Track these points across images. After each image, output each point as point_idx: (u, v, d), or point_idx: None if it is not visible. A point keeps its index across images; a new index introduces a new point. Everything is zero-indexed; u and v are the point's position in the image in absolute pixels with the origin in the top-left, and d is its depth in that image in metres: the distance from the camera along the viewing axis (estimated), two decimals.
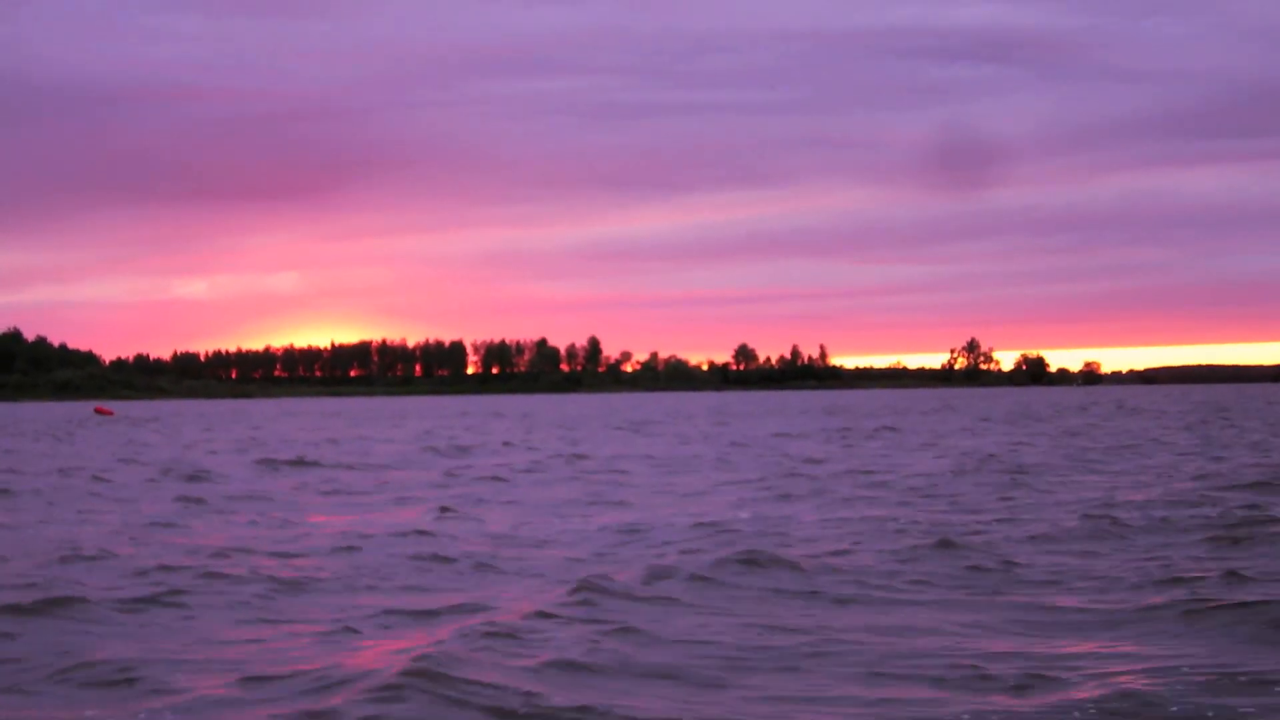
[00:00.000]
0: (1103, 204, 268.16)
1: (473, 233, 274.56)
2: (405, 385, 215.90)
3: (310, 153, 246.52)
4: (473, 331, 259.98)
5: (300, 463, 27.93)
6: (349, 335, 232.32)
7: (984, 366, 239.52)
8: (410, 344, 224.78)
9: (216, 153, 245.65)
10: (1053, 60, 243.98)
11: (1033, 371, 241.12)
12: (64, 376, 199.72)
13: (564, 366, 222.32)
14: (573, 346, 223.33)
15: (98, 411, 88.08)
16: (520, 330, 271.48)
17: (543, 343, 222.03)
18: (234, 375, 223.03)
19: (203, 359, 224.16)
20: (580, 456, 30.01)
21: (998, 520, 15.10)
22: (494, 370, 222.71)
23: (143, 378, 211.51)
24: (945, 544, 12.60)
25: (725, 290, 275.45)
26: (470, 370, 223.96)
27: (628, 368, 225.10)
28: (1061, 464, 24.72)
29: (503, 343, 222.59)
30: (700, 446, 34.09)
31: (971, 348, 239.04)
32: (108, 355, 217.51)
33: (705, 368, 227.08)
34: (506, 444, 37.19)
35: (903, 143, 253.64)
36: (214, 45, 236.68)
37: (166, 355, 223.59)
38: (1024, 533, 13.80)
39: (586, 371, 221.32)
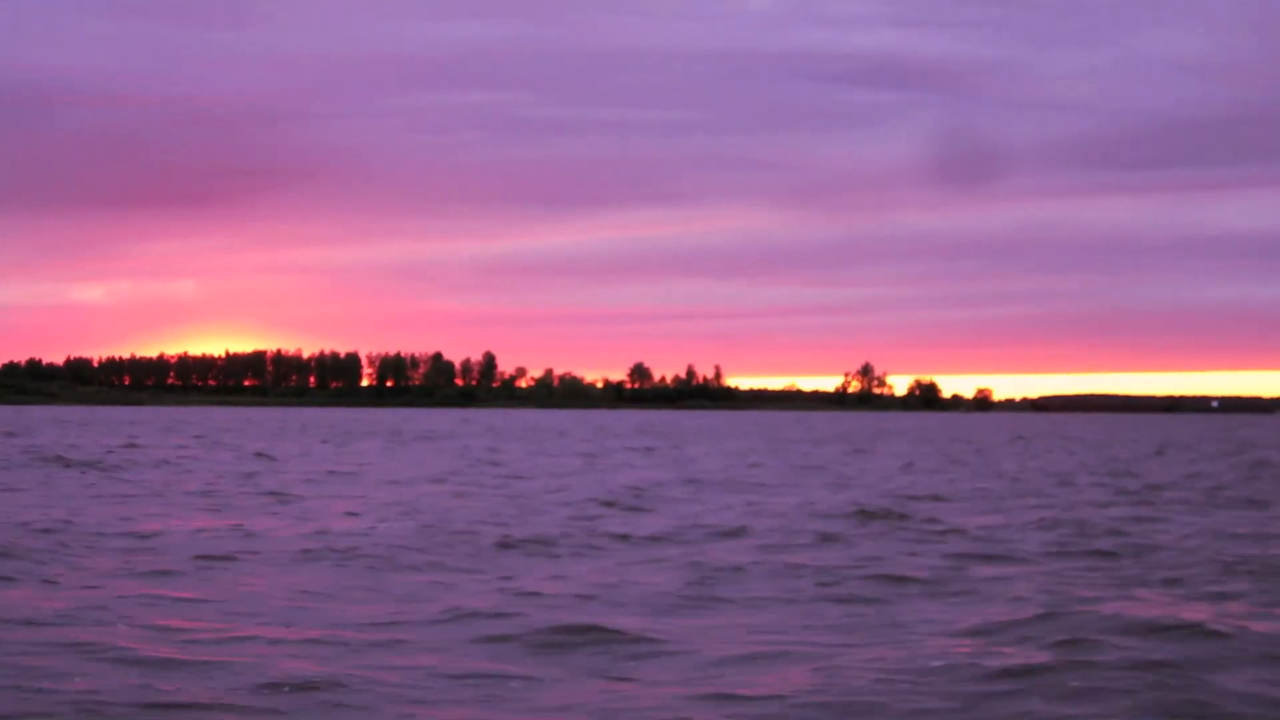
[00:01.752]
0: (1001, 232, 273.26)
1: (373, 245, 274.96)
2: (299, 396, 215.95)
3: (214, 161, 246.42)
4: (369, 344, 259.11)
5: None
6: (245, 345, 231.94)
7: (877, 390, 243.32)
8: (305, 355, 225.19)
9: (119, 159, 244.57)
10: (956, 88, 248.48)
11: (925, 396, 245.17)
12: None
13: (459, 381, 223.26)
14: (468, 361, 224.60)
15: None
16: (417, 344, 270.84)
17: (438, 357, 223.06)
18: (127, 382, 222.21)
19: (96, 365, 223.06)
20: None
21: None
22: (389, 383, 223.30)
23: (34, 383, 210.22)
24: None
25: (624, 308, 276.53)
26: (365, 383, 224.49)
27: (523, 383, 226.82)
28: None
29: (398, 356, 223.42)
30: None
31: (865, 371, 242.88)
32: (0, 359, 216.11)
33: (601, 385, 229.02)
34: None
35: (805, 166, 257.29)
36: (118, 51, 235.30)
37: (60, 360, 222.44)
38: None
39: (481, 387, 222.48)
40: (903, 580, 12.73)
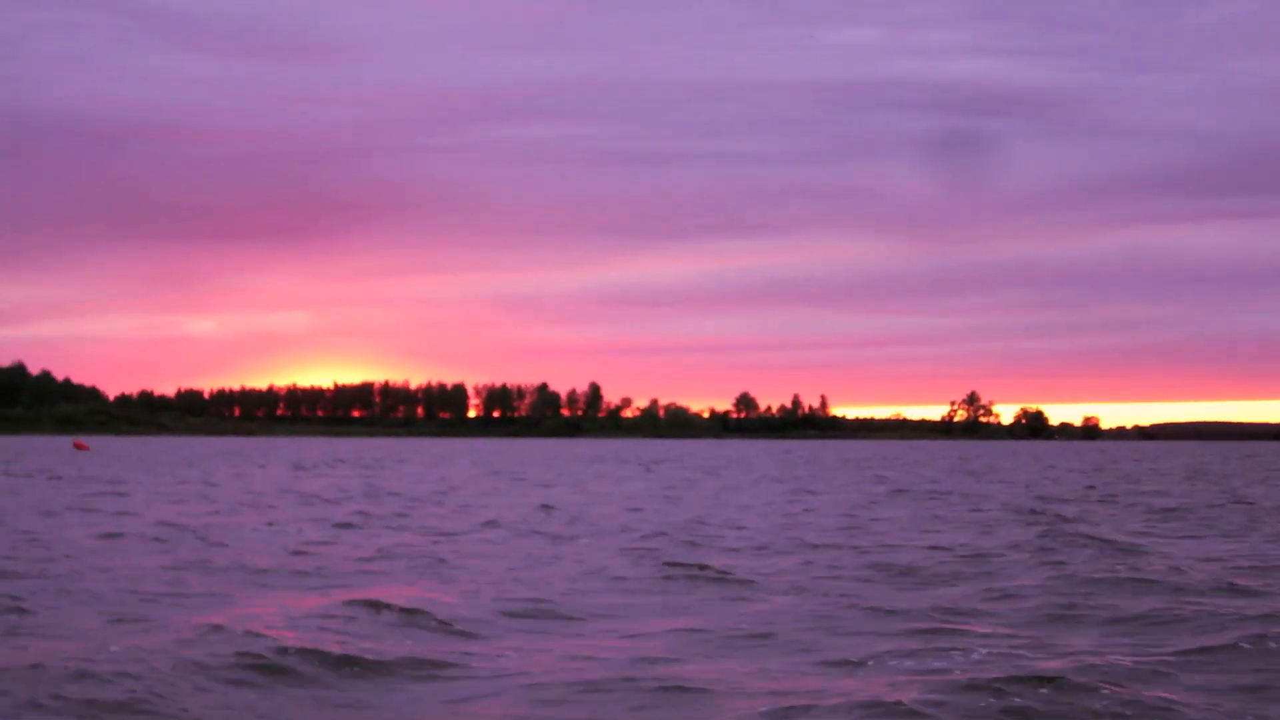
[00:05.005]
0: (1105, 259, 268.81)
1: (476, 276, 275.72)
2: (407, 427, 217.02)
3: (319, 194, 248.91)
4: (475, 374, 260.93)
5: None
6: (353, 376, 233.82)
7: (983, 419, 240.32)
8: (413, 386, 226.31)
9: (228, 192, 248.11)
10: (1051, 115, 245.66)
11: (1032, 425, 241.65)
12: (66, 411, 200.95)
13: (565, 412, 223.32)
14: (574, 392, 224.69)
15: (76, 446, 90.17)
16: (522, 374, 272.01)
17: (544, 387, 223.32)
18: (237, 413, 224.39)
19: (207, 396, 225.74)
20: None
21: None
22: (495, 414, 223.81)
23: (145, 414, 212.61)
24: None
25: (728, 338, 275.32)
26: (471, 413, 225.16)
27: (628, 414, 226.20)
28: None
29: (504, 387, 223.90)
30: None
31: (971, 400, 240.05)
32: (113, 391, 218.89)
33: (706, 415, 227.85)
34: None
35: (904, 194, 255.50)
36: (221, 86, 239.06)
37: (171, 392, 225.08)
38: None
39: (587, 417, 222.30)
40: None
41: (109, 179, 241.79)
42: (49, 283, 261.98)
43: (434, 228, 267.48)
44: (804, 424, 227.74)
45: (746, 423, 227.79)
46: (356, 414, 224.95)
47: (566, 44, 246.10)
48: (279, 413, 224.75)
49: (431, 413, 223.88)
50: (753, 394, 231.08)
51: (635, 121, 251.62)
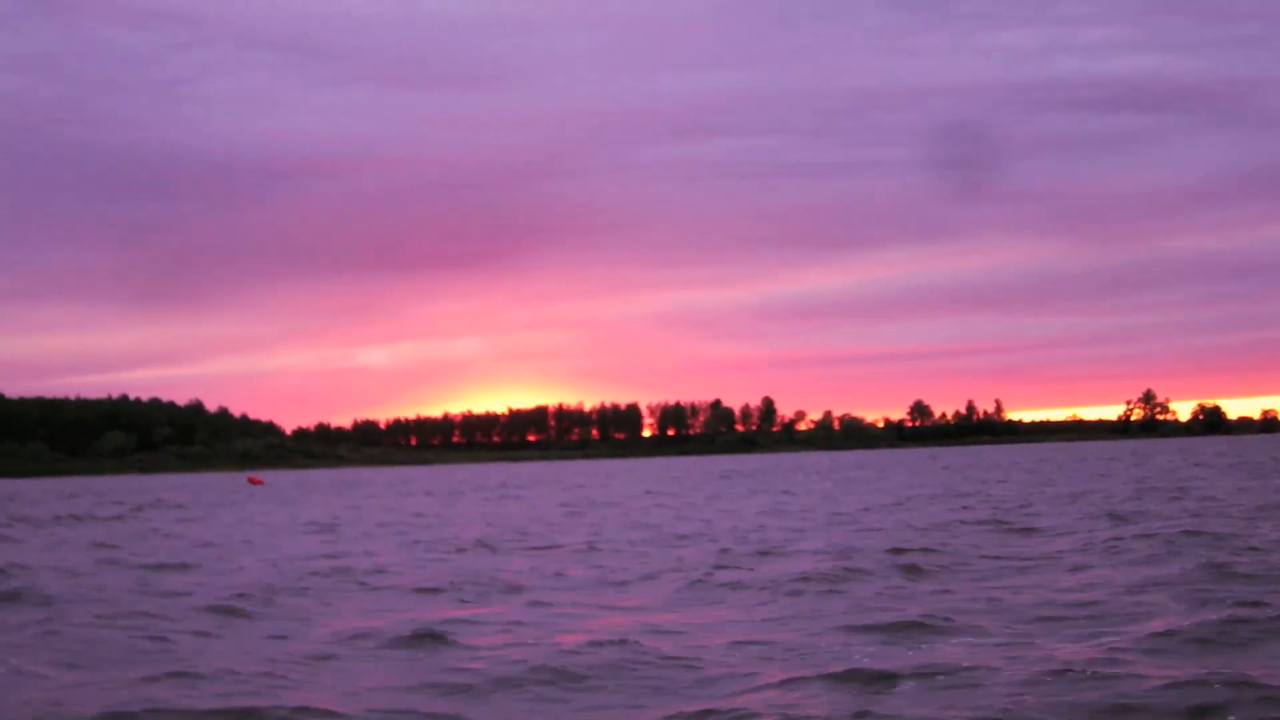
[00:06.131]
0: (1276, 251, 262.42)
1: (646, 295, 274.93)
2: (582, 449, 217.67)
3: (485, 220, 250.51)
4: (648, 394, 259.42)
5: None
6: (526, 400, 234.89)
7: (1160, 417, 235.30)
8: (586, 408, 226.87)
9: (395, 222, 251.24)
10: (1217, 108, 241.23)
11: (1210, 421, 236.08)
12: (244, 447, 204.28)
13: (739, 427, 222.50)
14: (747, 407, 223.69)
15: (250, 481, 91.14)
16: (694, 391, 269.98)
17: (717, 404, 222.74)
18: (413, 442, 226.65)
19: (383, 426, 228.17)
20: None
21: None
22: (670, 432, 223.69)
23: (322, 446, 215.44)
24: None
25: (899, 346, 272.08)
26: (646, 433, 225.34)
27: (802, 427, 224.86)
28: None
29: (678, 405, 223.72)
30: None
31: (1148, 399, 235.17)
32: (289, 425, 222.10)
33: (881, 425, 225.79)
34: None
35: (1072, 194, 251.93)
36: (388, 117, 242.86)
37: (347, 423, 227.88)
38: None
39: (761, 432, 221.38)
40: None
41: (281, 214, 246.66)
42: (224, 320, 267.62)
43: (603, 248, 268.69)
44: (979, 429, 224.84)
45: (922, 430, 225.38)
46: (532, 438, 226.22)
47: (730, 60, 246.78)
48: (454, 439, 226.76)
49: (606, 434, 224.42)
50: (927, 401, 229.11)
51: (800, 133, 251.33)
